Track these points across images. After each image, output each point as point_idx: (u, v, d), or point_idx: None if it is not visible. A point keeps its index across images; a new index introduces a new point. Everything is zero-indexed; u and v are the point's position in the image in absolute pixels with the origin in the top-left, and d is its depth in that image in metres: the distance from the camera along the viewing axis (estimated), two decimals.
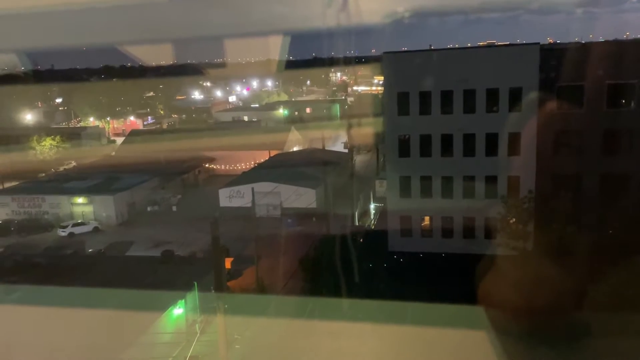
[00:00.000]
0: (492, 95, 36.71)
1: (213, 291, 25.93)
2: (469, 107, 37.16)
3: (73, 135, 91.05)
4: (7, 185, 62.82)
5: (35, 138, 79.69)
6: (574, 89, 35.43)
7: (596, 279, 25.33)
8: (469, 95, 37.00)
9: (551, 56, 36.94)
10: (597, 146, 35.81)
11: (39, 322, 24.95)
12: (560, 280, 24.44)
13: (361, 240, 41.05)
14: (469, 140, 37.70)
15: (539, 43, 38.41)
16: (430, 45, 53.66)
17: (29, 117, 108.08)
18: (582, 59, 35.03)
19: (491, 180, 37.72)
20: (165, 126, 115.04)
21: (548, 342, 25.09)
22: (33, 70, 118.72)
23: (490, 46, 74.77)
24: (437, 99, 37.54)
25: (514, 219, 34.19)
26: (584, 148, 36.19)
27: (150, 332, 26.66)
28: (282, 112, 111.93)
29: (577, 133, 36.27)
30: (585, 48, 40.72)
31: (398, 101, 38.19)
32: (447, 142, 38.15)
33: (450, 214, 38.84)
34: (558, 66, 35.91)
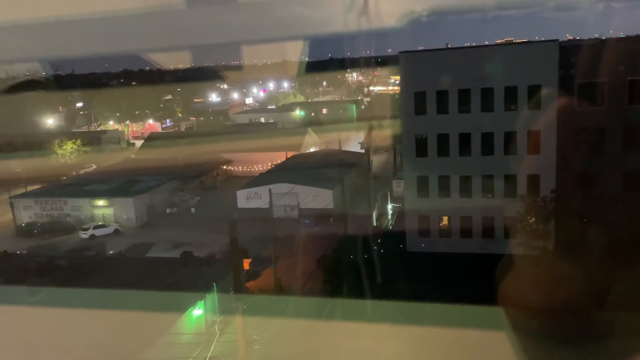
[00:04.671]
0: (511, 93, 36.33)
1: (232, 292, 26.12)
2: (487, 105, 36.83)
3: (93, 139, 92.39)
4: (30, 188, 63.90)
5: (56, 142, 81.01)
6: (595, 85, 34.89)
7: (618, 278, 24.89)
8: (487, 94, 36.69)
9: (570, 53, 36.42)
10: (619, 143, 35.20)
11: (61, 323, 25.30)
12: (582, 279, 24.06)
13: (379, 240, 40.91)
14: (487, 139, 37.35)
15: (557, 40, 37.91)
16: (447, 44, 53.29)
17: (50, 122, 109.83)
18: (602, 55, 34.48)
19: (510, 179, 37.32)
20: (183, 129, 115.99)
21: (569, 342, 24.71)
22: (54, 75, 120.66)
23: (508, 44, 73.92)
24: (454, 97, 37.28)
25: (534, 218, 33.74)
26: (606, 145, 35.60)
27: (170, 333, 26.88)
28: (298, 113, 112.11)
29: (598, 130, 35.70)
30: (605, 44, 40.09)
31: (415, 101, 38.02)
32: (465, 141, 37.84)
33: (469, 213, 38.49)
34: (578, 63, 35.38)
